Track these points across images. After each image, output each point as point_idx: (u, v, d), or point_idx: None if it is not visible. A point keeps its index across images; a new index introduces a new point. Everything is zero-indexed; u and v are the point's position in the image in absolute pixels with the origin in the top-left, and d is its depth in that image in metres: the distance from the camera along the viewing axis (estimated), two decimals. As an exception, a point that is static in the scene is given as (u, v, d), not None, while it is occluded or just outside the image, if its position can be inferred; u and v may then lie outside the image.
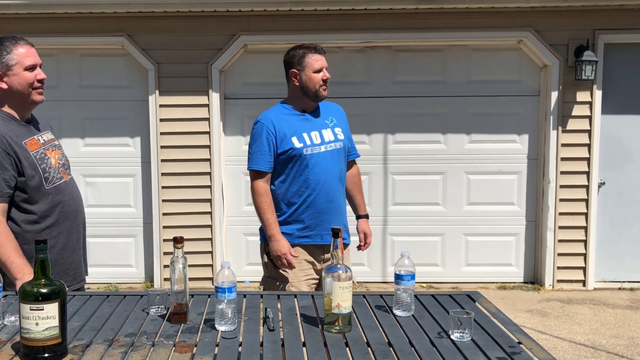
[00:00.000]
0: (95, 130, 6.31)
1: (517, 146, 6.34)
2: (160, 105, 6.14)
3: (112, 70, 6.27)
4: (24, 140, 2.63)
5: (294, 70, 3.25)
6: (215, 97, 6.12)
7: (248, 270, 6.29)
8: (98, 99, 6.29)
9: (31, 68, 2.65)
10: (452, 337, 2.02)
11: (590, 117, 6.11)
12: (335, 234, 2.10)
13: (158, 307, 2.25)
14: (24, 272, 2.46)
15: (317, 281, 3.29)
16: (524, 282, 6.44)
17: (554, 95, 6.09)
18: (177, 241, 2.13)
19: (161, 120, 6.14)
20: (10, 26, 5.79)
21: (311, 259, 3.25)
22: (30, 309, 1.79)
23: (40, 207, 2.62)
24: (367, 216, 3.55)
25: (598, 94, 6.08)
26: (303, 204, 3.21)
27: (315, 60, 3.22)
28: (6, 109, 2.65)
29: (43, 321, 1.79)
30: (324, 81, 3.24)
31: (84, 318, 2.20)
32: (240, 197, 6.38)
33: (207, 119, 6.13)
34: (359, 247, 3.52)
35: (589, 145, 6.14)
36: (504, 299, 5.96)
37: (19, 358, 1.84)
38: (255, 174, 3.23)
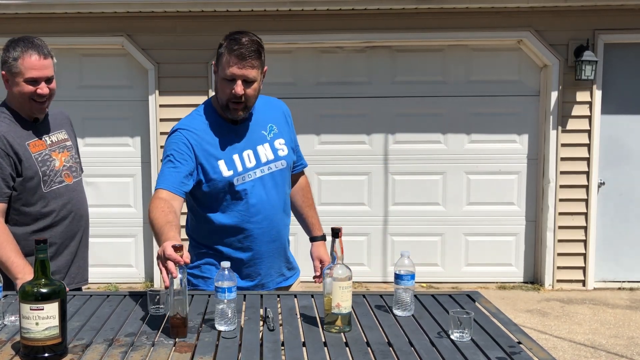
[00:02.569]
0: (95, 130, 6.31)
1: (517, 146, 6.34)
2: (160, 105, 6.14)
3: (112, 70, 6.27)
4: (28, 141, 2.62)
5: (214, 65, 2.41)
6: (215, 97, 6.11)
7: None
8: (98, 99, 6.29)
9: (33, 82, 2.54)
10: (452, 337, 2.02)
11: (590, 117, 6.11)
12: (335, 234, 2.09)
13: (158, 307, 2.24)
14: (24, 272, 2.45)
15: None
16: (523, 282, 6.44)
17: (554, 95, 6.09)
18: (176, 249, 1.98)
19: (161, 120, 6.14)
20: (10, 26, 5.79)
21: None
22: (30, 309, 1.78)
23: (34, 210, 2.60)
24: (323, 237, 2.71)
25: (598, 94, 6.08)
26: (238, 248, 2.50)
27: (228, 65, 2.31)
28: (15, 106, 2.64)
29: (43, 321, 1.79)
30: (235, 97, 2.31)
31: (84, 318, 2.19)
32: (240, 197, 6.38)
33: (207, 119, 6.13)
34: (315, 278, 2.71)
35: (588, 145, 6.14)
36: (504, 299, 5.96)
37: (19, 358, 1.83)
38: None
